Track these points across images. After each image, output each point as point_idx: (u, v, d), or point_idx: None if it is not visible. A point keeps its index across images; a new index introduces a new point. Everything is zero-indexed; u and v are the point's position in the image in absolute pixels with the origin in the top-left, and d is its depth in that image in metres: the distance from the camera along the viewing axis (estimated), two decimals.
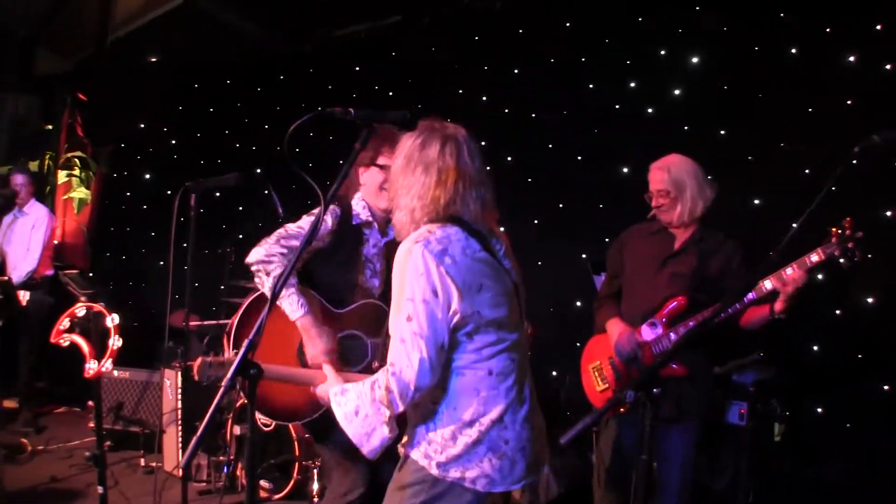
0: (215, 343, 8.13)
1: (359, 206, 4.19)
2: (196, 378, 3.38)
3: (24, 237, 8.51)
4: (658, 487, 4.45)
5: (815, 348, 6.12)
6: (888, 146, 2.66)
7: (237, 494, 6.26)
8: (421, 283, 2.92)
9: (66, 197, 10.51)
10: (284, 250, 3.91)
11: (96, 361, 4.21)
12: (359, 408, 3.01)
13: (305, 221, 4.04)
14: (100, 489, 4.25)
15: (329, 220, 4.05)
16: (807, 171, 6.18)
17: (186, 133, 10.50)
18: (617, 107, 7.26)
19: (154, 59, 10.67)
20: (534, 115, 7.67)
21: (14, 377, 8.22)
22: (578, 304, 7.22)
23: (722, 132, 6.64)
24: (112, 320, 4.29)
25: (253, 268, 3.93)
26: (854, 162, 2.89)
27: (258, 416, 4.97)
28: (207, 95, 10.41)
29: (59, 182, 10.57)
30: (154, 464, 6.84)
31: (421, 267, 2.93)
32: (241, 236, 8.35)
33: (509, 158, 7.79)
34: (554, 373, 6.95)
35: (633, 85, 7.21)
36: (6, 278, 7.91)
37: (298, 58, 9.64)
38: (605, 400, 4.74)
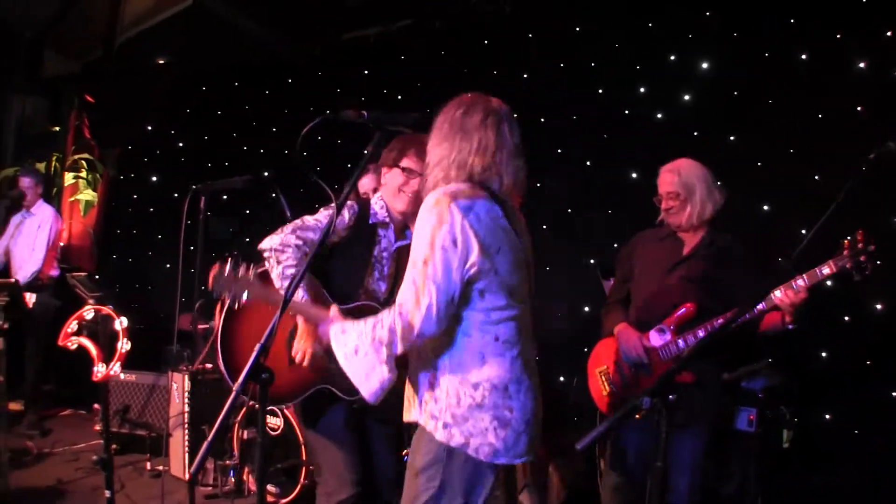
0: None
1: (377, 206, 4.17)
2: (210, 286, 3.39)
3: (31, 237, 8.50)
4: (667, 493, 4.44)
5: (824, 355, 6.10)
6: None
7: (244, 499, 6.24)
8: (443, 230, 2.94)
9: (72, 199, 10.51)
10: (300, 242, 3.90)
11: (104, 365, 4.20)
12: (358, 347, 3.05)
13: (323, 215, 4.04)
14: (107, 493, 4.25)
15: (346, 215, 4.04)
16: (816, 177, 6.17)
17: (194, 136, 10.48)
18: (626, 112, 7.24)
19: (162, 62, 10.66)
20: (543, 120, 7.65)
21: (20, 379, 8.21)
22: (587, 308, 7.20)
23: (731, 138, 6.62)
24: (120, 323, 4.29)
25: (265, 254, 3.91)
26: (865, 169, 2.84)
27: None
28: (215, 98, 10.40)
29: (66, 184, 10.58)
30: (160, 467, 6.84)
31: (446, 216, 2.95)
32: (248, 239, 8.35)
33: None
34: (561, 378, 6.93)
35: (642, 90, 7.19)
36: (14, 280, 7.89)
37: (307, 61, 9.62)
38: (611, 404, 4.74)
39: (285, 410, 6.08)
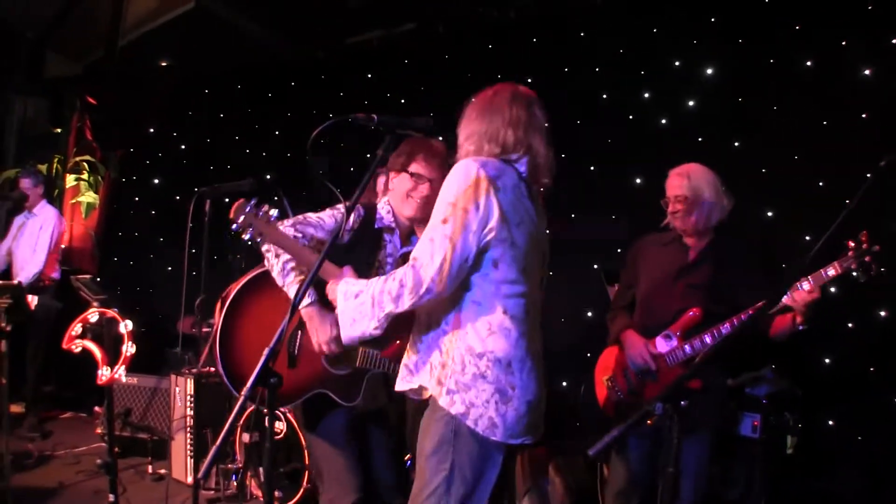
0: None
1: (384, 210, 4.16)
2: (231, 216, 3.39)
3: (33, 238, 8.49)
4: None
5: (827, 361, 6.10)
6: None
7: (246, 502, 6.22)
8: (468, 193, 2.99)
9: (74, 201, 10.49)
10: (299, 235, 3.89)
11: (109, 368, 4.19)
12: (361, 293, 3.12)
13: (327, 214, 4.04)
14: (111, 497, 4.24)
15: (351, 218, 4.03)
16: (820, 183, 6.17)
17: (196, 138, 10.47)
18: (630, 117, 7.23)
19: (164, 64, 10.64)
20: (546, 125, 7.64)
21: (21, 382, 8.19)
22: (590, 314, 7.19)
23: (736, 144, 6.62)
24: (125, 326, 4.28)
25: (263, 248, 3.91)
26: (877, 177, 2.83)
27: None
28: (218, 100, 10.38)
29: (68, 186, 10.56)
30: (162, 471, 6.83)
31: (472, 179, 3.01)
32: (250, 243, 8.33)
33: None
34: (564, 383, 6.92)
35: (646, 95, 7.19)
36: (17, 282, 7.88)
37: (310, 64, 9.61)
38: (618, 411, 4.73)
39: (289, 415, 6.07)
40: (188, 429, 6.64)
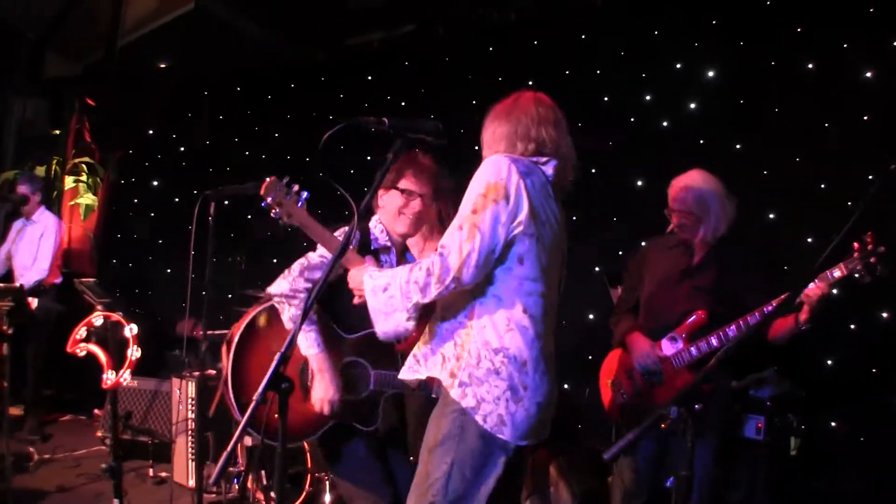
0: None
1: (377, 230, 4.14)
2: (262, 192, 3.39)
3: (33, 246, 8.44)
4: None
5: (829, 362, 6.10)
6: None
7: None
8: (499, 185, 3.01)
9: (72, 203, 10.45)
10: (309, 285, 3.89)
11: (114, 372, 4.18)
12: (389, 285, 3.10)
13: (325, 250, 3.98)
14: (115, 502, 4.22)
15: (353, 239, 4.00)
16: (822, 185, 6.18)
17: (195, 140, 10.44)
18: (632, 119, 7.23)
19: (164, 65, 10.63)
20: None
21: (22, 384, 8.16)
22: (591, 316, 7.19)
23: (737, 146, 6.62)
24: (130, 330, 4.27)
25: (275, 299, 3.90)
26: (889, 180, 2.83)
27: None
28: (217, 102, 10.36)
29: (66, 188, 10.51)
30: (163, 474, 6.82)
31: (503, 172, 3.02)
32: (250, 245, 8.33)
33: None
34: (566, 385, 6.91)
35: (648, 98, 7.18)
36: (18, 285, 7.87)
37: (310, 66, 9.59)
38: (624, 414, 4.73)
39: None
40: (190, 432, 6.62)
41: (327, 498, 5.85)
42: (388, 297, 3.08)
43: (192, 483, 6.55)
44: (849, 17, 6.12)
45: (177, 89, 10.47)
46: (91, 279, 5.23)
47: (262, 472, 6.09)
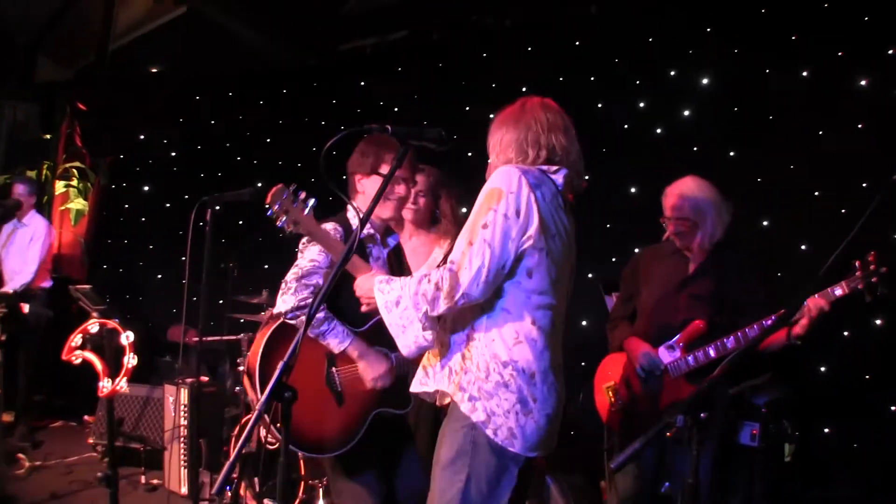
0: (215, 358, 8.10)
1: (357, 221, 4.10)
2: (267, 202, 3.34)
3: (22, 249, 8.40)
4: None
5: (823, 369, 6.12)
6: None
7: None
8: (509, 199, 2.97)
9: (63, 208, 10.42)
10: (311, 289, 3.84)
11: (110, 380, 4.15)
12: (400, 298, 3.07)
13: (314, 252, 3.89)
14: None
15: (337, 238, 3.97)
16: (816, 193, 6.19)
17: (187, 145, 10.43)
18: (626, 126, 7.24)
19: (155, 70, 10.60)
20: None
21: (12, 390, 8.12)
22: (584, 323, 7.19)
23: (731, 153, 6.64)
24: (127, 338, 4.24)
25: (288, 316, 3.86)
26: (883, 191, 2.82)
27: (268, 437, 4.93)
28: (209, 107, 10.35)
29: (57, 192, 10.47)
30: (155, 481, 6.79)
31: (513, 185, 2.99)
32: (242, 251, 8.30)
33: None
34: None
35: (642, 105, 7.20)
36: (10, 291, 7.84)
37: (303, 71, 9.59)
38: (618, 420, 4.72)
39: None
40: (182, 439, 6.60)
41: None
42: (402, 311, 3.05)
43: (184, 490, 6.53)
44: (843, 26, 6.15)
45: (168, 94, 10.45)
46: (87, 286, 5.18)
47: (255, 479, 6.06)
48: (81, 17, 10.08)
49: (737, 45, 6.69)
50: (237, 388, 6.76)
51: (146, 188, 10.69)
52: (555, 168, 3.18)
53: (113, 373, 4.12)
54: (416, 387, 3.29)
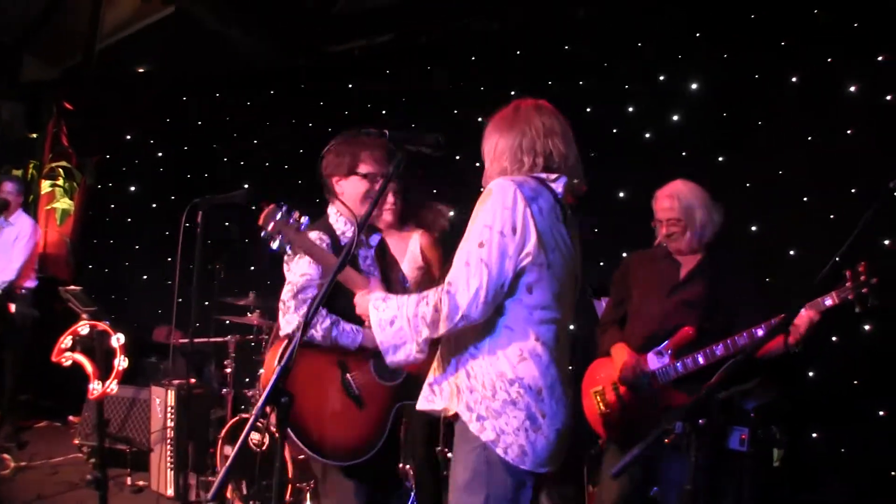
0: (201, 359, 8.07)
1: (339, 224, 4.06)
2: (260, 223, 3.32)
3: (7, 247, 8.35)
4: None
5: (812, 374, 6.14)
6: None
7: None
8: (505, 215, 2.91)
9: (48, 207, 10.37)
10: (306, 302, 3.83)
11: (100, 382, 4.13)
12: (395, 318, 3.03)
13: (303, 266, 3.85)
14: None
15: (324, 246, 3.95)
16: (805, 198, 6.21)
17: (174, 145, 10.39)
18: (615, 131, 7.25)
19: (142, 70, 10.55)
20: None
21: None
22: (573, 327, 7.17)
23: (720, 158, 6.65)
24: (117, 340, 4.22)
25: (297, 335, 3.84)
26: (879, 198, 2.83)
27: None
28: (196, 108, 10.31)
29: (43, 192, 10.43)
30: (141, 482, 6.76)
31: (509, 201, 2.93)
32: (225, 252, 8.27)
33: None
34: None
35: (631, 109, 7.21)
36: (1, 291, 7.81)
37: (290, 72, 9.55)
38: (606, 424, 4.71)
39: (270, 427, 6.00)
40: (168, 440, 6.57)
41: None
42: (396, 331, 3.02)
43: (170, 492, 6.50)
44: (833, 32, 6.17)
45: (155, 94, 10.40)
46: (77, 287, 5.14)
47: (242, 482, 6.04)
48: (68, 17, 10.03)
49: (726, 51, 6.70)
50: (224, 389, 6.73)
51: (132, 188, 10.65)
52: (554, 176, 3.12)
53: (103, 375, 4.11)
54: (422, 404, 3.24)
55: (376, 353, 3.70)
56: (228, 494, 6.22)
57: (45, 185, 10.41)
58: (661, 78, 7.10)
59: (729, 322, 4.33)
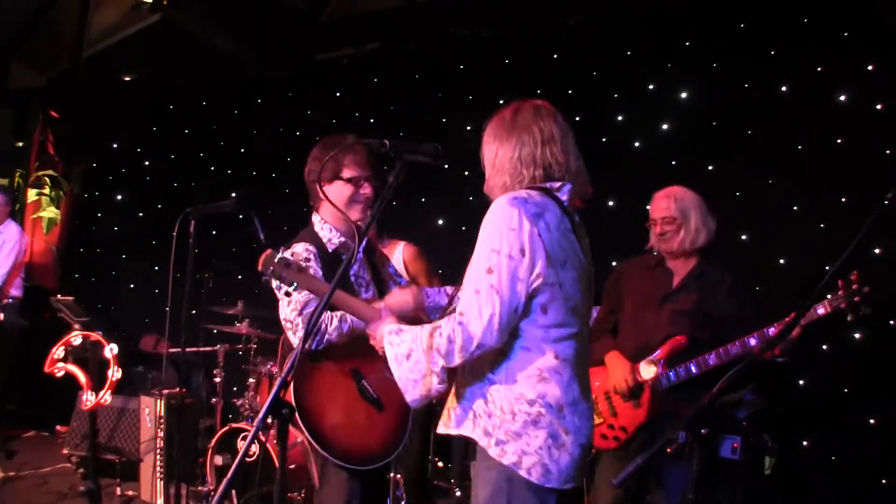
0: (188, 368, 8.02)
1: (325, 232, 4.07)
2: (259, 268, 3.31)
3: None
4: None
5: (802, 382, 6.15)
6: None
7: None
8: (511, 238, 2.85)
9: (35, 216, 10.32)
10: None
11: (94, 393, 4.11)
12: (412, 351, 2.96)
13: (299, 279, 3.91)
14: None
15: (314, 265, 3.91)
16: (795, 207, 6.23)
17: (161, 154, 10.36)
18: (604, 139, 7.26)
19: (129, 78, 10.51)
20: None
21: None
22: None
23: (710, 167, 6.66)
24: (111, 350, 4.21)
25: (313, 347, 3.83)
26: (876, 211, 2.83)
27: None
28: (183, 116, 10.28)
29: (29, 201, 10.38)
30: (130, 493, 6.72)
31: (514, 222, 2.87)
32: (213, 260, 8.24)
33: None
34: None
35: (620, 118, 7.22)
36: None
37: (278, 81, 9.53)
38: (598, 434, 4.71)
39: (260, 436, 5.98)
40: (158, 450, 6.54)
41: None
42: (413, 364, 2.94)
43: (160, 502, 6.46)
44: (823, 41, 6.19)
45: (142, 102, 10.37)
46: (69, 297, 5.10)
47: (234, 492, 6.01)
48: (55, 24, 9.99)
49: (716, 60, 6.72)
50: (213, 399, 6.71)
51: (119, 197, 10.61)
52: (558, 184, 3.07)
53: (96, 385, 4.09)
54: (441, 428, 3.17)
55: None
56: None
57: (32, 194, 10.36)
58: (651, 87, 7.12)
59: (721, 331, 4.34)
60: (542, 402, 2.90)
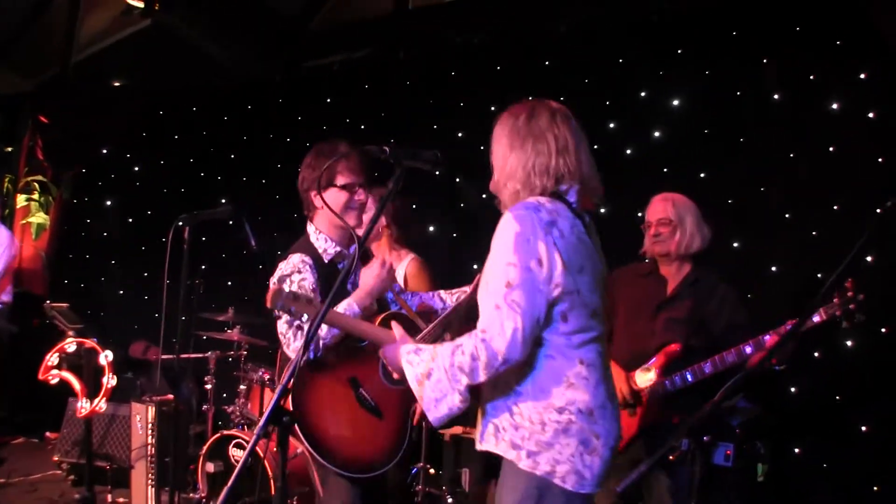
0: (178, 375, 8.00)
1: (320, 242, 4.09)
2: (268, 305, 3.31)
3: None
4: None
5: (793, 390, 6.15)
6: None
7: None
8: (526, 249, 2.83)
9: (24, 221, 10.27)
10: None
11: (88, 400, 4.10)
12: (432, 371, 2.91)
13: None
14: None
15: (309, 276, 3.93)
16: (787, 215, 6.24)
17: (150, 160, 10.33)
18: (595, 147, 7.22)
19: (119, 84, 10.48)
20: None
21: None
22: None
23: (702, 174, 6.67)
24: (106, 357, 4.19)
25: (311, 357, 3.83)
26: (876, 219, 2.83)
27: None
28: (173, 122, 10.24)
29: (18, 206, 10.33)
30: (121, 500, 6.69)
31: (528, 233, 2.85)
32: (203, 266, 8.22)
33: (484, 196, 7.74)
34: None
35: (612, 125, 7.22)
36: None
37: (268, 87, 9.52)
38: None
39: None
40: (149, 457, 6.51)
41: None
42: (434, 383, 2.89)
43: None
44: (816, 49, 6.20)
45: (132, 108, 10.34)
46: (63, 304, 5.07)
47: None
48: (44, 29, 9.97)
49: (708, 67, 6.72)
50: (204, 406, 6.69)
51: (109, 203, 10.57)
52: (566, 187, 3.04)
53: (91, 393, 4.07)
54: (476, 445, 3.12)
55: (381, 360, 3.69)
56: None
57: (21, 200, 10.32)
58: (643, 94, 7.12)
59: (715, 339, 4.36)
60: (573, 409, 2.88)
